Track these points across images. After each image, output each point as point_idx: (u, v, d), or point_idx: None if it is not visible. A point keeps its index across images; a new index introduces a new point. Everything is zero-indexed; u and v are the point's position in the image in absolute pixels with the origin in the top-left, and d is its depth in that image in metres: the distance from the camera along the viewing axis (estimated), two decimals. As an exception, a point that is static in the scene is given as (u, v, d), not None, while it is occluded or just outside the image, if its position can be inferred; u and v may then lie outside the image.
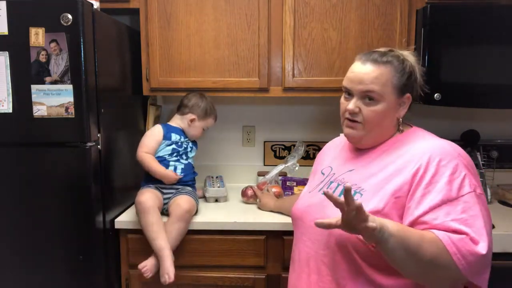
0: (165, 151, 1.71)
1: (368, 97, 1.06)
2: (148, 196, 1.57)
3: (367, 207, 0.95)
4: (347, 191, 0.83)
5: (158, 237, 1.48)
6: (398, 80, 1.06)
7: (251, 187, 1.86)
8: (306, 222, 1.13)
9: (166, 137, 1.71)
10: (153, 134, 1.71)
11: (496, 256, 1.49)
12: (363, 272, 1.00)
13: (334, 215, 0.94)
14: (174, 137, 1.73)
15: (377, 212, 0.97)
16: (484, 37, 1.67)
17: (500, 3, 1.74)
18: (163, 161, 1.70)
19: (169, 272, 1.43)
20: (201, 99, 1.77)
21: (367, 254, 0.98)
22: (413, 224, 0.95)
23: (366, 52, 1.11)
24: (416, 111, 2.12)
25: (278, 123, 2.20)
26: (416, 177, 0.98)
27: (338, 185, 1.11)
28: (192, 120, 1.75)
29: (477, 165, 1.92)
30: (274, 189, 1.84)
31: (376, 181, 1.03)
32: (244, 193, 1.86)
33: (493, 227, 1.54)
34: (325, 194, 0.86)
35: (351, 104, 1.07)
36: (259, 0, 1.78)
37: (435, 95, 1.69)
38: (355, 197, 0.99)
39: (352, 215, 0.84)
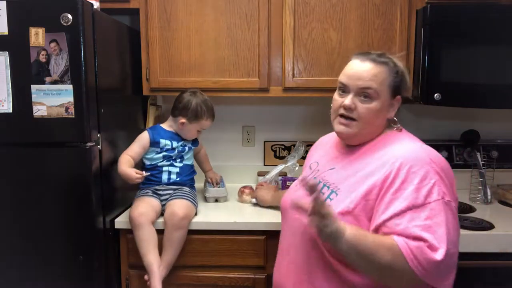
0: (157, 159, 1.69)
1: (364, 94, 1.08)
2: (141, 212, 1.55)
3: (340, 207, 1.04)
4: (311, 187, 0.89)
5: (148, 254, 1.50)
6: (393, 81, 1.10)
7: (249, 187, 1.87)
8: (289, 215, 1.20)
9: (154, 143, 1.68)
10: (140, 140, 1.67)
11: (496, 256, 1.50)
12: (333, 267, 1.05)
13: None
14: (163, 143, 1.68)
15: (347, 213, 1.03)
16: (484, 37, 1.67)
17: (500, 3, 1.74)
18: (155, 167, 1.69)
19: None
20: (192, 100, 1.67)
21: (336, 251, 1.01)
22: (378, 227, 0.99)
23: (363, 52, 1.14)
24: (416, 111, 2.14)
25: (278, 123, 2.20)
26: (386, 182, 1.00)
27: (319, 182, 1.16)
28: (182, 123, 1.69)
29: (477, 165, 1.92)
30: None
31: (352, 182, 1.07)
32: (239, 193, 1.87)
33: (493, 227, 1.55)
34: (305, 184, 0.91)
35: (348, 100, 1.09)
36: (259, 0, 1.78)
37: (435, 95, 1.69)
38: (331, 196, 1.09)
39: (317, 208, 0.90)
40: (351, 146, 1.17)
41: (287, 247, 1.20)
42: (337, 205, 1.05)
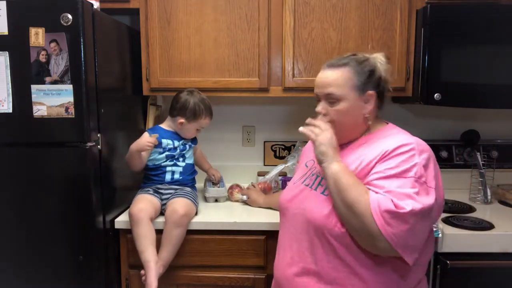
0: (160, 159, 1.70)
1: (329, 99, 1.18)
2: (141, 207, 1.55)
3: None
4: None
5: (146, 251, 1.50)
6: (356, 79, 1.16)
7: (237, 185, 1.92)
8: (290, 211, 1.25)
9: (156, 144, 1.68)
10: None
11: (496, 256, 1.50)
12: (337, 253, 1.11)
13: (311, 206, 1.16)
14: (165, 142, 1.70)
15: None
16: (484, 37, 1.67)
17: (500, 3, 1.74)
18: (159, 167, 1.70)
19: (151, 285, 1.46)
20: (189, 100, 1.68)
21: (340, 236, 1.09)
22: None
23: (330, 60, 1.24)
24: (416, 111, 2.14)
25: (278, 123, 2.20)
26: (376, 159, 1.10)
27: (317, 176, 1.23)
28: (181, 123, 1.70)
29: (477, 165, 1.92)
30: (260, 186, 1.89)
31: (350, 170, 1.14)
32: (229, 195, 1.89)
33: (493, 227, 1.55)
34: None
35: (319, 107, 1.21)
36: (259, 0, 1.78)
37: (435, 95, 1.69)
38: None
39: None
40: (342, 144, 1.23)
41: (289, 242, 1.23)
42: None
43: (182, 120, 1.69)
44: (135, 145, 1.60)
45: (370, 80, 1.16)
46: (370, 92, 1.16)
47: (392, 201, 1.00)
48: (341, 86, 1.16)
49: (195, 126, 1.72)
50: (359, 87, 1.15)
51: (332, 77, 1.17)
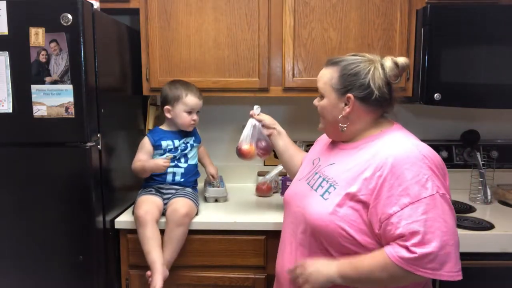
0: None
1: (320, 93, 1.22)
2: (146, 210, 1.55)
3: (337, 200, 1.09)
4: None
5: (152, 251, 1.50)
6: (337, 80, 1.16)
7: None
8: (291, 207, 1.26)
9: (156, 146, 1.68)
10: (143, 147, 1.68)
11: (496, 256, 1.50)
12: (335, 258, 1.10)
13: (310, 207, 1.14)
14: (165, 144, 1.69)
15: (354, 195, 1.07)
16: (484, 37, 1.67)
17: (500, 3, 1.74)
18: None
19: (156, 285, 1.45)
20: (166, 86, 1.70)
21: (338, 245, 1.09)
22: (381, 224, 1.03)
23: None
24: (416, 111, 2.14)
25: (278, 123, 2.20)
26: (380, 179, 1.03)
27: (320, 176, 1.21)
28: (168, 110, 1.69)
29: (477, 165, 1.92)
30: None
31: (350, 175, 1.11)
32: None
33: (493, 227, 1.55)
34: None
35: (315, 100, 1.26)
36: (259, 0, 1.78)
37: (435, 95, 1.69)
38: (329, 190, 1.13)
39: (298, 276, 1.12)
40: (346, 142, 1.22)
41: (289, 237, 1.24)
42: (334, 198, 1.10)
43: (167, 107, 1.68)
44: (151, 166, 1.63)
45: (353, 83, 1.13)
46: (349, 95, 1.13)
47: (419, 234, 0.97)
48: (325, 84, 1.19)
49: (182, 109, 1.67)
50: (339, 88, 1.15)
51: (321, 74, 1.22)
